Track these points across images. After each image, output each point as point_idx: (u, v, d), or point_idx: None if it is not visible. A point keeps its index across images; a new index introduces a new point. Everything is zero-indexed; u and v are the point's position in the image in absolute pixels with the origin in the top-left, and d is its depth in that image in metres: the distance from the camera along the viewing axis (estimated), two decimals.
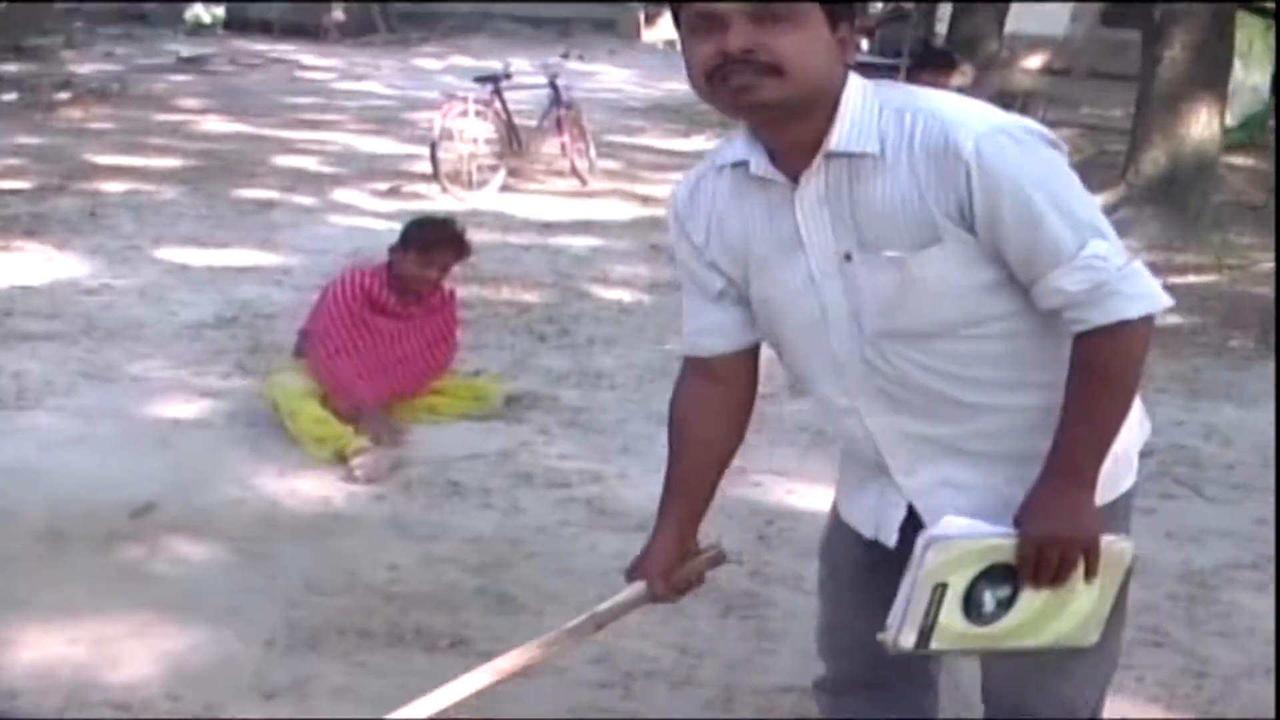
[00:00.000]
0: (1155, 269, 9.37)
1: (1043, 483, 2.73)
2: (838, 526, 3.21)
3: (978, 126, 2.62)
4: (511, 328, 8.90)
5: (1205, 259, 12.09)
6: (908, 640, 2.71)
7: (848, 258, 2.75)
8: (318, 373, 6.80)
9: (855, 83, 2.72)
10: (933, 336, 2.77)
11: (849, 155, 2.68)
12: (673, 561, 3.07)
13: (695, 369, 3.09)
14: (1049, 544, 2.69)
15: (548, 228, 12.36)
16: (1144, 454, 6.80)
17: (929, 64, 11.25)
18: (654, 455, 6.43)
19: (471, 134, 13.86)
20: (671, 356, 8.31)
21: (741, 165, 2.81)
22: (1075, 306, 2.67)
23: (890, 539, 2.98)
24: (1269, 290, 10.61)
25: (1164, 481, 6.62)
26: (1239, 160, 14.95)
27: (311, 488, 6.15)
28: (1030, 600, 2.73)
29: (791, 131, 2.70)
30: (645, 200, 14.06)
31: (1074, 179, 2.72)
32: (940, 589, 2.67)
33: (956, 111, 2.67)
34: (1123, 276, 2.64)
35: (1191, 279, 11.24)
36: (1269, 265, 11.57)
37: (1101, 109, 24.05)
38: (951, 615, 2.70)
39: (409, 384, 7.06)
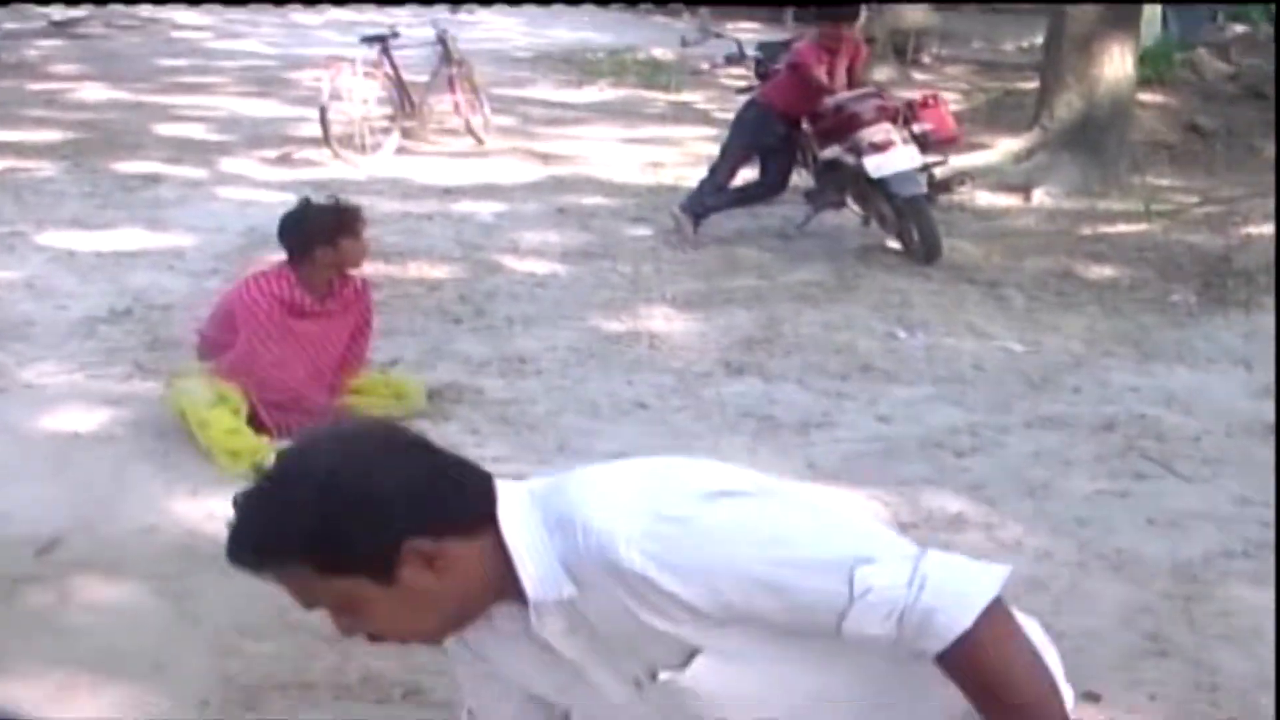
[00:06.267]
0: (1081, 216, 9.28)
1: None
2: None
3: (633, 529, 2.16)
4: (423, 309, 8.45)
5: (1131, 205, 11.84)
6: None
7: (638, 683, 2.35)
8: (265, 393, 6.31)
9: (514, 514, 2.28)
10: None
11: (559, 601, 2.27)
12: None
13: None
14: None
15: (449, 193, 11.91)
16: (1106, 427, 6.65)
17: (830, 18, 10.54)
18: (593, 453, 6.09)
19: (361, 96, 13.37)
20: (595, 335, 7.96)
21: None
22: (901, 644, 2.21)
23: None
24: (1203, 238, 10.43)
25: (1133, 459, 6.35)
26: (1147, 97, 14.68)
27: (230, 510, 5.65)
28: None
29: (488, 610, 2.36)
30: (545, 159, 13.71)
31: (797, 513, 2.26)
32: None
33: (607, 516, 2.20)
34: (919, 590, 2.17)
35: (1122, 228, 11.01)
36: (1199, 211, 11.37)
37: (993, 44, 23.91)
38: None
39: (340, 386, 6.62)
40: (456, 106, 14.27)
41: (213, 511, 5.62)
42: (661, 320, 8.42)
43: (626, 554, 2.14)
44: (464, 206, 11.39)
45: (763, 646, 2.24)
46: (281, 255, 6.55)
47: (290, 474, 2.27)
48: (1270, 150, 14.02)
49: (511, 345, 7.85)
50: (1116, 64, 12.69)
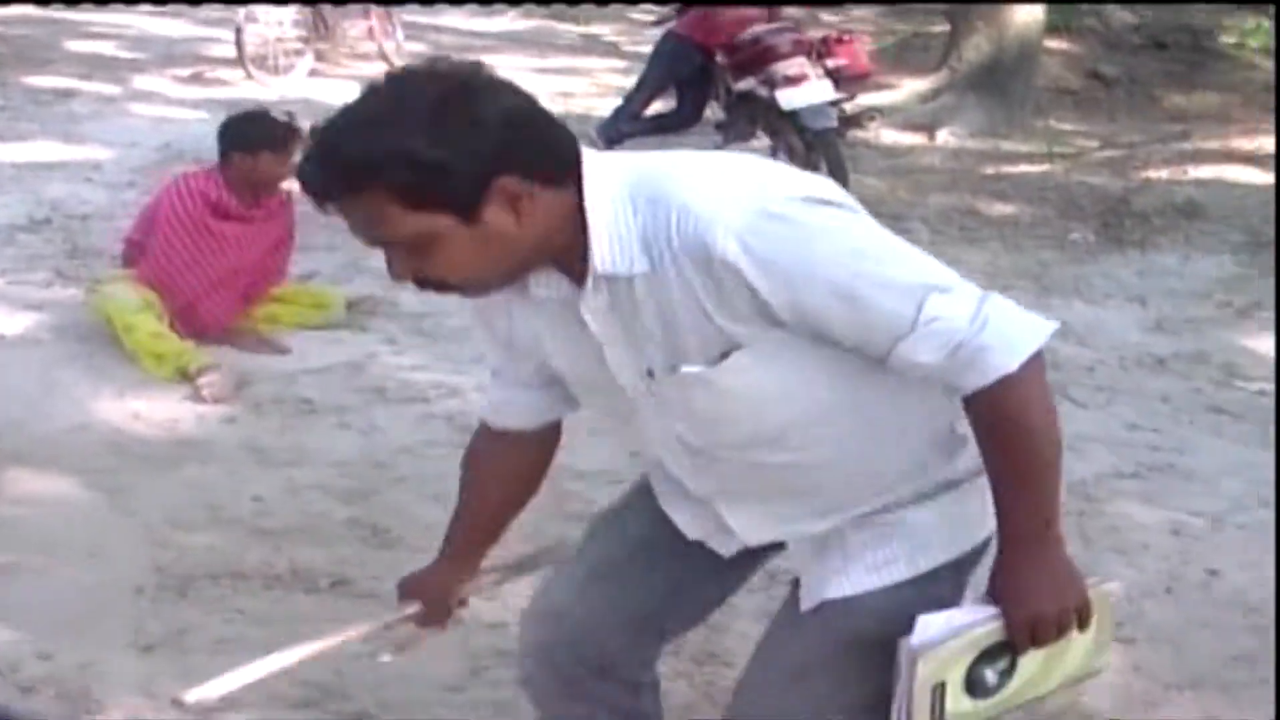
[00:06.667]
0: (984, 156, 9.46)
1: (1007, 558, 2.42)
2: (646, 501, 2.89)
3: (735, 219, 2.18)
4: (339, 225, 8.47)
5: (1034, 147, 12.09)
6: None
7: (650, 374, 2.41)
8: (169, 294, 6.37)
9: (599, 182, 2.28)
10: (766, 443, 2.47)
11: (619, 276, 2.30)
12: (452, 588, 2.92)
13: (493, 433, 2.84)
14: (1039, 622, 2.41)
15: None
16: None
17: None
18: None
19: (276, 17, 13.40)
20: None
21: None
22: (944, 375, 2.32)
23: (724, 551, 2.76)
24: (1103, 180, 10.67)
25: None
26: (1053, 44, 14.92)
27: (156, 410, 5.81)
28: (1031, 660, 2.51)
29: (535, 271, 2.38)
30: None
31: (880, 236, 2.32)
32: (939, 687, 2.44)
33: (710, 201, 2.21)
34: (980, 328, 2.26)
35: (1024, 168, 11.24)
36: (1099, 154, 11.62)
37: None
38: (958, 702, 2.47)
39: (256, 292, 6.71)
40: (370, 30, 14.33)
41: (139, 412, 5.79)
42: None
43: (723, 242, 2.17)
44: None
45: (798, 355, 2.33)
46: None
47: (397, 95, 2.19)
48: (1171, 99, 14.38)
49: None
50: (1025, 10, 12.88)
